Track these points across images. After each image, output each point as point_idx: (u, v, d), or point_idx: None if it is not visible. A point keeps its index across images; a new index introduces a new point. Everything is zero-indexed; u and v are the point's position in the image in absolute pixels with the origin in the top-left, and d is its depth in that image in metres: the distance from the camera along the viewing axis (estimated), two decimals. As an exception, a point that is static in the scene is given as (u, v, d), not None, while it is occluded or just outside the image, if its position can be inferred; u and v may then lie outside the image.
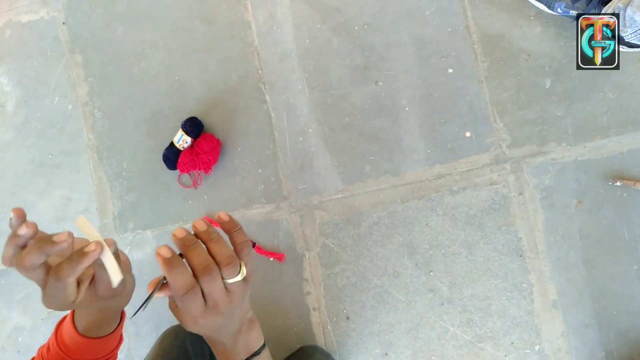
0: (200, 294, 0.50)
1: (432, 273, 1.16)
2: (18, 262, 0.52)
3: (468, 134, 1.16)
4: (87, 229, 0.51)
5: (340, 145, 1.20)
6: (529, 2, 1.11)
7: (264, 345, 0.61)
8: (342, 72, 1.20)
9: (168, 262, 0.48)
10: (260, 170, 1.22)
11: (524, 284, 1.13)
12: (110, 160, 1.29)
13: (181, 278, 0.48)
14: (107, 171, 1.29)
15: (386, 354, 1.17)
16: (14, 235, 0.53)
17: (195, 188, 1.24)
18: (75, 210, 1.30)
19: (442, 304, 1.16)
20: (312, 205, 1.21)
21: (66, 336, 0.69)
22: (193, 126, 1.19)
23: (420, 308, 1.16)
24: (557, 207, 1.12)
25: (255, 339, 0.60)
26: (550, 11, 1.09)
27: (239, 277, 0.51)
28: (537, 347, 1.12)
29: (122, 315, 0.75)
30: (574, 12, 1.04)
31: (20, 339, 1.32)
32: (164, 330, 1.12)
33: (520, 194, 1.13)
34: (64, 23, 1.32)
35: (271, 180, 1.22)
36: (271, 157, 1.22)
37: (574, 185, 1.12)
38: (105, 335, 0.71)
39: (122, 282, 0.54)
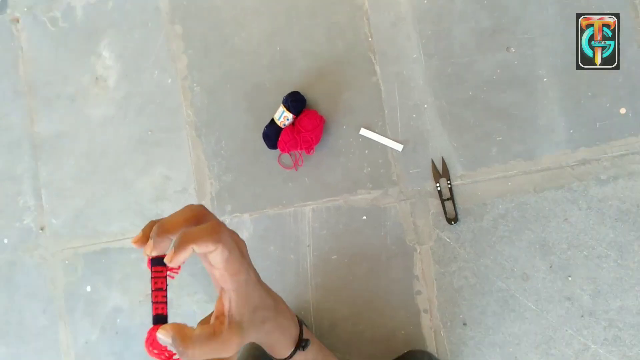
0: None
1: (570, 278, 1.06)
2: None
3: (623, 111, 1.05)
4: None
5: (461, 123, 1.14)
6: None
7: None
8: (466, 36, 1.14)
9: None
10: (366, 151, 1.18)
11: (695, 299, 0.96)
12: (208, 137, 1.29)
13: None
14: (206, 149, 1.29)
15: (510, 369, 1.08)
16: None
17: (296, 169, 1.22)
18: (174, 190, 1.31)
19: (582, 316, 1.05)
20: (426, 192, 1.14)
21: None
22: (295, 102, 1.17)
23: (553, 319, 1.06)
24: None
25: None
26: None
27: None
28: None
29: None
30: None
31: (118, 320, 1.36)
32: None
33: (694, 186, 0.98)
34: (164, -8, 1.35)
35: (379, 162, 1.17)
36: (380, 137, 1.18)
37: None
38: None
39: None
